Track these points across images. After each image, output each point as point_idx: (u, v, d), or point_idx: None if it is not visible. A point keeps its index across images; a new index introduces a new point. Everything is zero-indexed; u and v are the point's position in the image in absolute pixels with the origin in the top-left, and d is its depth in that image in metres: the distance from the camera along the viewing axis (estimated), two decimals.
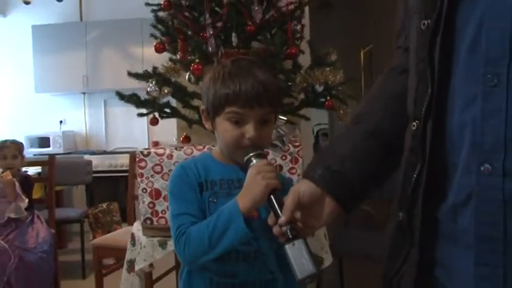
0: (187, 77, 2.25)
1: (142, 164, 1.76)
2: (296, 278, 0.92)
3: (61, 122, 5.75)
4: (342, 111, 2.43)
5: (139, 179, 1.77)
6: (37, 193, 3.74)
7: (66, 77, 5.39)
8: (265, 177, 1.01)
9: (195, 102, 2.50)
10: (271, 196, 0.99)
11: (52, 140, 5.43)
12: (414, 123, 0.74)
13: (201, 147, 1.76)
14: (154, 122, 2.30)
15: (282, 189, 1.01)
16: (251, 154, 1.05)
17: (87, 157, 4.91)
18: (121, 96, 2.27)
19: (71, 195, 5.02)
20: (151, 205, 1.77)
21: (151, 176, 1.76)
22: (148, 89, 2.13)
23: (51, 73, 5.41)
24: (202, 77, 2.18)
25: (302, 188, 0.89)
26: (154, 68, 2.20)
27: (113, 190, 4.96)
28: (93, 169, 4.57)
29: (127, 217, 3.08)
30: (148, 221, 1.78)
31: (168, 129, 3.76)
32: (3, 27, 5.72)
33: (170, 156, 1.75)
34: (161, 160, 1.76)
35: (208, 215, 1.10)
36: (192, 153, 1.75)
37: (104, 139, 5.77)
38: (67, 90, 5.56)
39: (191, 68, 2.04)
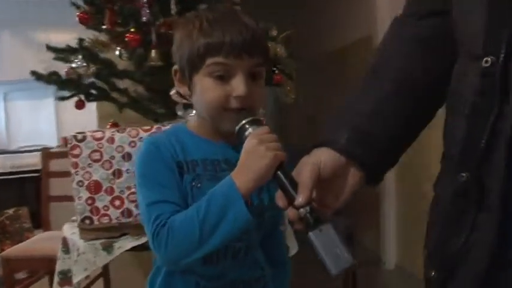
0: (117, 52, 1.93)
1: (76, 151, 1.45)
2: (330, 272, 0.72)
3: None
4: (288, 88, 2.26)
5: (73, 170, 1.45)
6: None
7: None
8: (270, 147, 0.80)
9: (125, 83, 2.19)
10: (279, 172, 0.79)
11: None
12: (487, 59, 0.63)
13: (148, 127, 1.48)
14: (80, 105, 1.96)
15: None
16: (244, 121, 0.84)
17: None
18: (38, 76, 1.90)
19: None
20: (90, 201, 1.46)
21: (89, 165, 1.45)
22: (74, 66, 1.79)
23: None
24: (137, 50, 1.89)
25: (322, 158, 0.75)
26: (81, 40, 1.86)
27: (19, 193, 4.45)
28: None
29: (42, 222, 2.76)
30: (87, 221, 1.47)
31: (81, 123, 3.35)
32: None
33: (111, 140, 1.45)
34: (100, 145, 1.45)
35: (192, 204, 0.87)
36: (137, 134, 1.46)
37: (5, 137, 5.14)
38: None
39: (126, 39, 1.74)
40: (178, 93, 1.58)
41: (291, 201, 0.75)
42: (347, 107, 0.82)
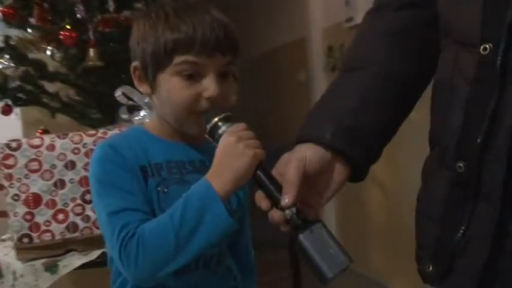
0: (49, 52, 1.76)
1: (11, 161, 1.28)
2: (325, 276, 0.67)
3: None
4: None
5: (6, 183, 1.29)
6: None
7: None
8: (249, 145, 0.75)
9: (56, 86, 2.01)
10: (259, 171, 0.74)
11: None
12: (486, 45, 0.62)
13: (93, 132, 1.35)
14: (7, 110, 1.76)
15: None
16: (217, 119, 0.78)
17: None
18: None
19: None
20: (28, 216, 1.30)
21: (26, 176, 1.29)
22: (0, 66, 1.60)
23: None
24: (71, 50, 1.73)
25: (308, 153, 0.71)
26: (7, 38, 1.67)
27: None
28: None
29: None
30: (25, 239, 1.31)
31: (2, 130, 3.06)
32: None
33: (51, 147, 1.31)
34: (39, 153, 1.30)
35: (159, 211, 0.80)
36: (81, 140, 1.33)
37: None
38: None
39: (61, 37, 1.58)
40: (124, 94, 1.47)
41: (274, 202, 0.70)
42: (327, 103, 0.79)
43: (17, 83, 1.80)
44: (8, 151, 1.28)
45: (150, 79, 0.84)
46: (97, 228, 1.33)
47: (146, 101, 1.44)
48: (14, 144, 1.29)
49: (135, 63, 0.86)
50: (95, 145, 1.33)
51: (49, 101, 1.95)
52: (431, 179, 0.73)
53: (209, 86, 0.79)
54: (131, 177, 0.80)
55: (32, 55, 1.76)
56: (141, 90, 0.89)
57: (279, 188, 0.70)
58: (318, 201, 0.73)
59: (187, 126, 0.83)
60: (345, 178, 0.73)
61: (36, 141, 1.30)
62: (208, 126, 0.78)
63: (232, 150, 0.74)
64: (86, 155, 1.32)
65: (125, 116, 1.57)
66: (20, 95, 1.83)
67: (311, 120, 0.77)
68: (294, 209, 0.68)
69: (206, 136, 0.80)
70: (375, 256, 2.75)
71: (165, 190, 0.81)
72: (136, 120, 1.48)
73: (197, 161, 0.87)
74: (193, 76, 0.80)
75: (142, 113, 1.46)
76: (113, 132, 1.36)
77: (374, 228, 2.75)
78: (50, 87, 2.02)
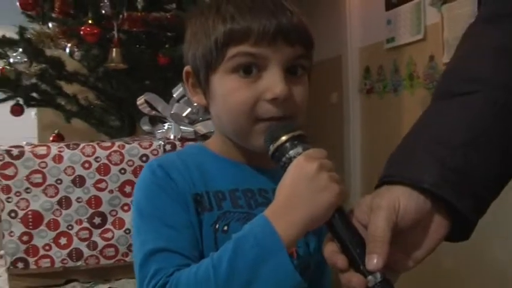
0: (67, 50, 1.58)
1: (10, 171, 1.09)
2: None
3: None
4: None
5: (3, 196, 1.09)
6: None
7: None
8: (333, 178, 0.56)
9: (74, 87, 1.84)
10: (336, 215, 0.56)
11: None
12: None
13: (108, 144, 1.16)
14: (17, 111, 1.59)
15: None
16: (285, 137, 0.58)
17: None
18: None
19: None
20: (26, 238, 1.10)
21: (26, 190, 1.10)
22: (12, 60, 1.42)
23: None
24: (93, 47, 1.55)
25: (401, 200, 0.54)
26: (22, 29, 1.50)
27: None
28: None
29: None
30: (19, 264, 1.11)
31: (18, 132, 2.92)
32: None
33: (58, 159, 1.11)
34: (43, 165, 1.11)
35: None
36: (94, 152, 1.13)
37: None
38: None
39: (81, 33, 1.40)
40: (147, 102, 1.27)
41: (353, 262, 0.53)
42: (426, 135, 0.59)
43: (32, 81, 1.63)
44: (7, 159, 1.09)
45: (203, 85, 0.67)
46: (104, 258, 1.13)
47: (173, 112, 1.24)
48: (15, 152, 1.10)
49: (187, 68, 0.70)
50: (108, 159, 1.13)
51: (65, 103, 1.78)
52: None
53: (273, 82, 0.61)
54: (179, 208, 0.63)
55: (50, 52, 1.59)
56: (194, 101, 0.73)
57: (361, 244, 0.53)
58: (403, 263, 0.56)
59: (250, 138, 0.64)
60: (444, 235, 0.56)
61: (41, 150, 1.11)
62: (271, 146, 0.58)
63: (313, 179, 0.54)
64: (98, 170, 1.13)
65: (146, 128, 1.37)
66: (34, 94, 1.65)
67: (404, 156, 0.58)
68: (379, 275, 0.51)
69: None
70: None
71: (225, 228, 0.63)
72: (158, 133, 1.29)
73: (270, 189, 0.67)
74: (251, 71, 0.62)
75: (166, 125, 1.26)
76: (132, 145, 1.16)
77: None
78: (67, 88, 1.86)
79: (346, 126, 3.00)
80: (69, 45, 1.57)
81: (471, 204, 0.54)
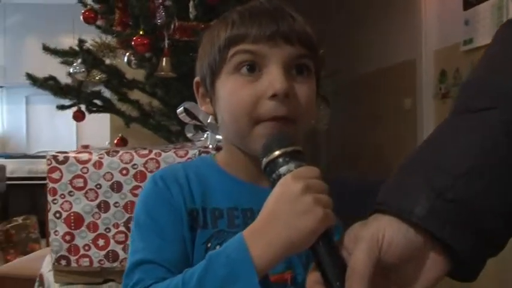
0: (125, 59, 1.67)
1: (56, 174, 1.18)
2: None
3: None
4: (322, 112, 1.96)
5: (50, 198, 1.19)
6: None
7: None
8: (320, 201, 0.52)
9: (135, 94, 1.94)
10: (321, 242, 0.52)
11: None
12: None
13: (145, 151, 1.20)
14: (79, 116, 1.71)
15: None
16: (279, 152, 0.55)
17: (1, 161, 4.18)
18: (33, 79, 1.66)
19: None
20: (68, 237, 1.18)
21: (70, 193, 1.18)
22: (71, 70, 1.54)
23: None
24: (146, 56, 1.63)
25: (387, 232, 0.49)
26: (81, 42, 1.61)
27: (31, 201, 4.27)
28: (9, 175, 3.95)
29: (46, 234, 2.44)
30: (63, 261, 1.19)
31: (101, 130, 3.16)
32: None
33: (99, 165, 1.18)
34: (85, 170, 1.18)
35: None
36: (131, 160, 1.19)
37: (25, 141, 5.00)
38: None
39: (132, 44, 1.48)
40: (186, 110, 1.30)
41: None
42: (426, 157, 0.53)
43: (95, 88, 1.75)
44: (54, 163, 1.18)
45: (209, 92, 0.68)
46: None
47: (209, 121, 1.26)
48: (61, 157, 1.18)
49: (196, 79, 0.71)
50: (145, 167, 1.18)
51: (126, 108, 1.88)
52: None
53: (272, 79, 0.60)
54: (173, 222, 0.63)
55: (109, 61, 1.69)
56: (203, 109, 0.73)
57: (341, 273, 0.49)
58: None
59: (250, 141, 0.62)
60: (443, 273, 0.50)
61: (83, 156, 1.19)
62: (264, 160, 0.56)
63: (295, 201, 0.51)
64: (135, 177, 1.18)
65: (190, 135, 1.41)
66: (96, 101, 1.77)
67: (398, 181, 0.53)
68: None
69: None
70: None
71: (217, 247, 0.61)
72: (198, 142, 1.31)
73: None
74: (253, 70, 0.62)
75: (206, 134, 1.29)
76: (168, 153, 1.20)
77: None
78: (131, 95, 1.96)
79: (420, 133, 2.85)
80: (127, 54, 1.66)
81: (472, 243, 0.48)
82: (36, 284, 1.39)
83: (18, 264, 2.28)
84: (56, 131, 4.90)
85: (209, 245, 0.63)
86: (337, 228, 0.56)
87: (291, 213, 0.51)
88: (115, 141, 2.06)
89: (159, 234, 0.63)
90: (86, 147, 4.62)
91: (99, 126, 3.16)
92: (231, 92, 0.63)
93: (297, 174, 0.53)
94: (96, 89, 1.75)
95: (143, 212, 0.66)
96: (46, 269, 1.36)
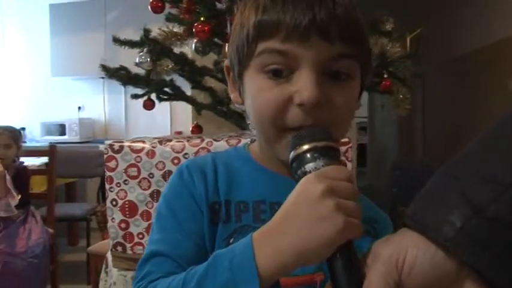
0: (193, 46, 1.66)
1: (112, 163, 1.20)
2: None
3: (79, 108, 5.34)
4: (401, 95, 1.80)
5: (107, 186, 1.21)
6: (43, 186, 3.30)
7: (84, 60, 4.97)
8: (343, 207, 0.44)
9: (206, 81, 1.93)
10: (338, 255, 0.44)
11: (68, 128, 5.03)
12: None
13: (197, 141, 1.18)
14: (148, 105, 1.74)
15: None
16: (307, 146, 0.48)
17: (103, 147, 4.49)
18: (106, 70, 1.72)
19: (85, 189, 4.61)
20: (123, 225, 1.21)
21: (125, 182, 1.20)
22: (137, 60, 1.56)
23: (69, 56, 5.02)
24: (211, 43, 1.60)
25: (409, 253, 0.41)
26: (146, 31, 1.63)
27: None
28: None
29: None
30: (119, 248, 1.22)
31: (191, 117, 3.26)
32: (18, 5, 5.33)
33: (151, 154, 1.18)
34: (138, 159, 1.19)
35: None
36: (183, 149, 1.17)
37: (124, 128, 5.33)
38: (85, 75, 5.12)
39: (194, 30, 1.45)
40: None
41: None
42: (470, 164, 0.42)
43: (166, 77, 1.76)
44: (111, 153, 1.20)
45: (237, 82, 0.60)
46: None
47: None
48: (116, 146, 1.20)
49: (226, 62, 0.64)
50: (196, 156, 1.16)
51: (197, 96, 1.88)
52: None
53: (302, 85, 0.51)
54: (192, 215, 0.59)
55: (176, 49, 1.69)
56: (232, 97, 0.65)
57: None
58: None
59: (277, 150, 0.56)
60: None
61: (137, 146, 1.19)
62: (293, 153, 0.49)
63: (314, 205, 0.44)
64: None
65: (248, 122, 1.36)
66: (167, 89, 1.79)
67: (432, 191, 0.43)
68: None
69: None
70: None
71: None
72: (250, 133, 1.26)
73: None
74: (281, 72, 0.53)
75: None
76: (219, 142, 1.17)
77: None
78: (205, 82, 1.96)
79: None
80: (194, 41, 1.64)
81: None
82: (103, 266, 1.44)
83: (105, 243, 2.44)
84: (152, 119, 5.15)
85: (231, 240, 0.58)
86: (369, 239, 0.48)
87: (307, 218, 0.44)
88: (189, 129, 2.08)
89: (176, 228, 0.59)
90: (179, 133, 4.81)
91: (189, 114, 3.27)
92: (258, 91, 0.55)
93: (321, 174, 0.46)
94: (168, 77, 1.76)
95: (164, 203, 0.62)
96: (109, 254, 1.41)
